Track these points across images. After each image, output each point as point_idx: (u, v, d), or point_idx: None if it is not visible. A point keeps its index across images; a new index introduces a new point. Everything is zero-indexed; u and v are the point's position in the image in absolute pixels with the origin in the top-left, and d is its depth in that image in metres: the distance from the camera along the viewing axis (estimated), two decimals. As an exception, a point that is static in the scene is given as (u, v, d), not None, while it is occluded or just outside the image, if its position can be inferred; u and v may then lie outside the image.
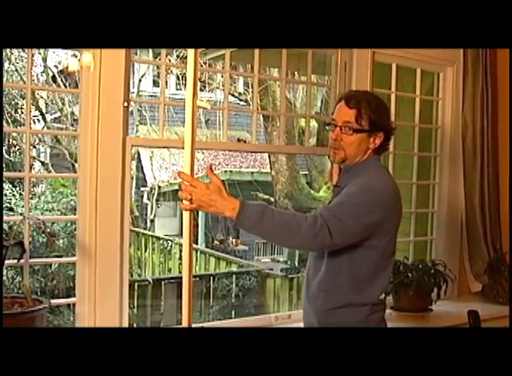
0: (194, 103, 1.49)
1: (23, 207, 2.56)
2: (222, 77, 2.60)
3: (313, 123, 6.63)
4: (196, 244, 10.89)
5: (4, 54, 1.94)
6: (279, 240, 1.71)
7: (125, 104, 2.19)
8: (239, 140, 9.00)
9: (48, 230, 1.92)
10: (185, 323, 1.47)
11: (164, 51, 2.44)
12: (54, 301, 2.34)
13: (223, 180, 1.64)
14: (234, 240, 12.02)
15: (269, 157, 8.24)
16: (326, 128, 1.95)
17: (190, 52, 1.49)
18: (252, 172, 11.66)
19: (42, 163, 10.58)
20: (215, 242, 11.87)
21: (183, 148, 1.50)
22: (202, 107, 1.63)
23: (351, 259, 1.80)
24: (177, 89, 11.72)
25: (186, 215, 1.55)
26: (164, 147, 7.88)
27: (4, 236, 1.85)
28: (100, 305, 2.16)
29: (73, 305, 2.22)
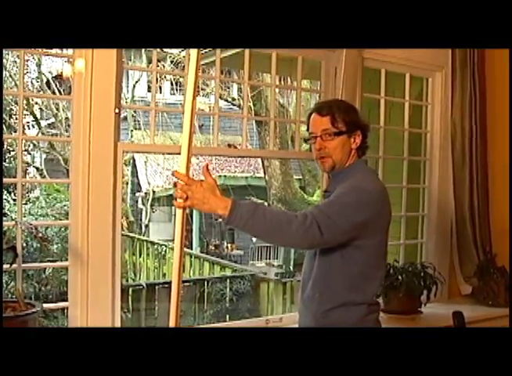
0: (193, 105, 1.51)
1: (16, 212, 2.58)
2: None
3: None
4: (191, 248, 10.89)
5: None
6: (270, 238, 1.74)
7: (117, 110, 2.22)
8: (229, 146, 9.01)
9: (40, 235, 1.94)
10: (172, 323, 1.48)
11: (155, 57, 2.46)
12: (46, 306, 2.36)
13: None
14: (229, 245, 12.02)
15: (263, 161, 8.26)
16: (307, 142, 2.02)
17: (193, 52, 1.51)
18: (246, 177, 11.69)
19: (37, 168, 10.58)
20: (210, 247, 11.87)
21: (177, 153, 1.52)
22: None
23: (342, 259, 1.82)
24: (171, 94, 11.74)
25: (179, 213, 1.57)
26: (155, 153, 7.88)
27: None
28: (92, 309, 2.18)
29: (67, 309, 2.24)
